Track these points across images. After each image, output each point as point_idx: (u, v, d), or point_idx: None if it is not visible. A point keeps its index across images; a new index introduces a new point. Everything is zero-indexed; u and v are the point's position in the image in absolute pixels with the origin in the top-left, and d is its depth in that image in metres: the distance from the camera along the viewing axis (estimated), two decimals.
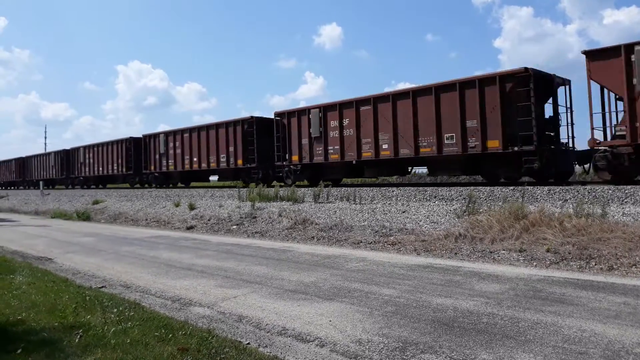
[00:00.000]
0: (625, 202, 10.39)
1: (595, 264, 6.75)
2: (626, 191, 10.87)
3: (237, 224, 13.35)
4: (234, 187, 21.11)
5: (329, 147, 19.44)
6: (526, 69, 14.28)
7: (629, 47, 12.26)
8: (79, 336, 4.44)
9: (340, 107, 18.95)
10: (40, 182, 37.80)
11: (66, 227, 16.79)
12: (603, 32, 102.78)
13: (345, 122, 18.79)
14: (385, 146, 17.47)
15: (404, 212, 11.84)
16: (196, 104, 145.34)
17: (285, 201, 15.75)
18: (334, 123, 19.16)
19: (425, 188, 15.05)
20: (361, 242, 9.77)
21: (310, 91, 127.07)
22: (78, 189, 36.49)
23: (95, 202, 23.58)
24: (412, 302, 5.37)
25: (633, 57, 12.13)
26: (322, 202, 14.83)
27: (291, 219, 12.44)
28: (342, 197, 15.21)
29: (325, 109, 19.65)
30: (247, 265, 8.10)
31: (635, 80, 12.16)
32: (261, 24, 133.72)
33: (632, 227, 7.57)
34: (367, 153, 18.07)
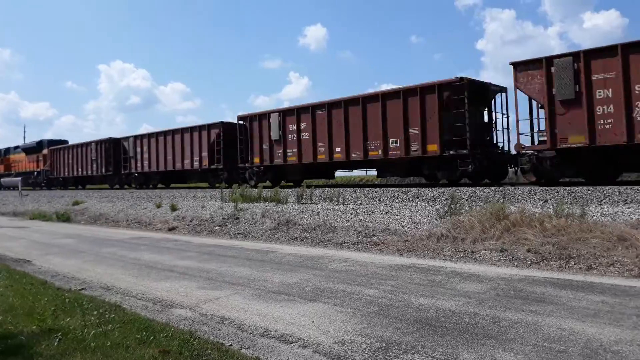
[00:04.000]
0: (604, 202, 10.57)
1: (574, 264, 6.85)
2: (604, 192, 11.06)
3: (220, 225, 13.28)
4: (218, 187, 20.99)
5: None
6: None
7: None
8: (57, 339, 4.37)
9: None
10: (19, 182, 37.57)
11: (45, 228, 16.52)
12: (584, 36, 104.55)
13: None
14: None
15: (386, 212, 11.89)
16: (180, 104, 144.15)
17: (268, 202, 15.71)
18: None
19: (408, 189, 15.13)
20: (344, 242, 9.78)
21: (295, 92, 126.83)
22: (57, 190, 36.10)
23: (75, 203, 23.25)
24: (395, 302, 5.39)
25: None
26: (306, 203, 14.83)
27: (274, 220, 12.41)
28: (325, 198, 15.22)
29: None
30: (229, 266, 8.05)
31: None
32: (246, 23, 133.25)
33: (610, 227, 7.69)
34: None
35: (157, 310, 5.66)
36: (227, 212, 14.57)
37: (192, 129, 25.70)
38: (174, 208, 16.84)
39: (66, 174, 36.21)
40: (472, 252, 7.99)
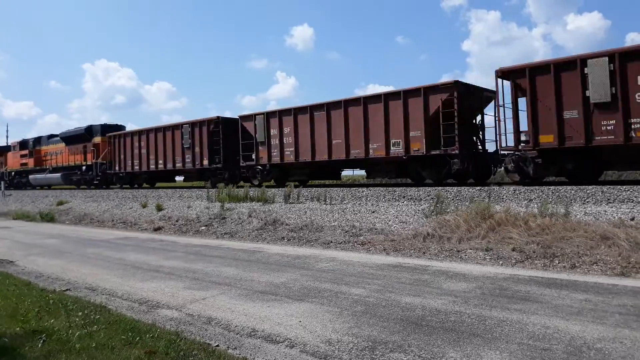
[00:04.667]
0: (587, 202, 10.71)
1: (558, 262, 6.93)
2: (588, 191, 11.21)
3: (206, 225, 13.22)
4: (203, 187, 20.87)
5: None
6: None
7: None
8: (42, 341, 4.32)
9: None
10: (2, 182, 35.15)
11: (29, 228, 16.31)
12: (567, 37, 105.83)
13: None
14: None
15: (373, 212, 11.93)
16: (166, 103, 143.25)
17: (255, 202, 15.68)
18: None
19: (394, 188, 15.20)
20: (331, 242, 9.80)
21: (282, 91, 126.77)
22: (41, 190, 35.57)
23: (60, 203, 22.98)
24: (382, 301, 5.42)
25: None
26: (293, 203, 14.82)
27: (261, 220, 12.38)
28: (312, 198, 15.23)
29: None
30: (216, 266, 8.02)
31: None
32: (233, 23, 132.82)
33: (593, 226, 7.80)
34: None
35: (143, 310, 5.62)
36: (213, 212, 14.51)
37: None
38: (159, 208, 16.73)
39: (135, 168, 27.77)
40: (458, 251, 8.05)
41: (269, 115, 21.02)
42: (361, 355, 3.90)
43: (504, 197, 12.02)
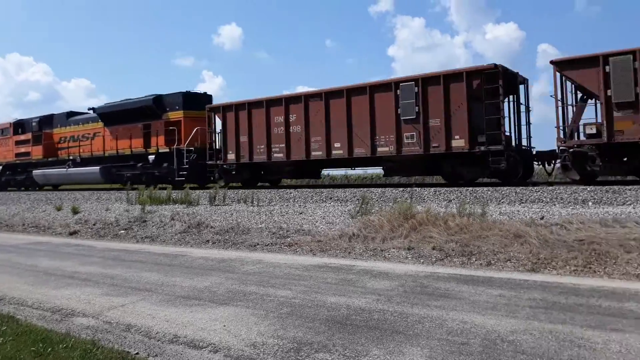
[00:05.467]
0: (502, 202, 11.33)
1: (475, 260, 7.26)
2: (503, 192, 11.86)
3: (126, 229, 12.69)
4: (123, 189, 19.94)
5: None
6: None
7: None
8: None
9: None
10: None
11: None
12: (486, 46, 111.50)
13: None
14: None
15: (301, 213, 11.96)
16: (84, 101, 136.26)
17: (178, 204, 15.27)
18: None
19: (322, 190, 15.35)
20: (258, 244, 9.71)
21: (209, 91, 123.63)
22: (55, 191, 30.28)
23: None
24: (308, 302, 5.43)
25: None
26: (219, 205, 14.57)
27: (184, 223, 12.06)
28: (239, 200, 15.05)
29: (268, 103, 18.45)
30: (136, 271, 7.71)
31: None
32: (156, 20, 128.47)
33: (507, 225, 8.24)
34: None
35: (56, 319, 5.29)
36: (133, 214, 13.95)
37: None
38: (75, 211, 15.86)
39: (275, 155, 18.24)
40: (382, 251, 8.23)
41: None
42: (286, 357, 3.88)
43: (425, 197, 12.46)
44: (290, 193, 15.33)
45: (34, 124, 27.93)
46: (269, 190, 17.05)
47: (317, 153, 17.17)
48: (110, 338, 4.57)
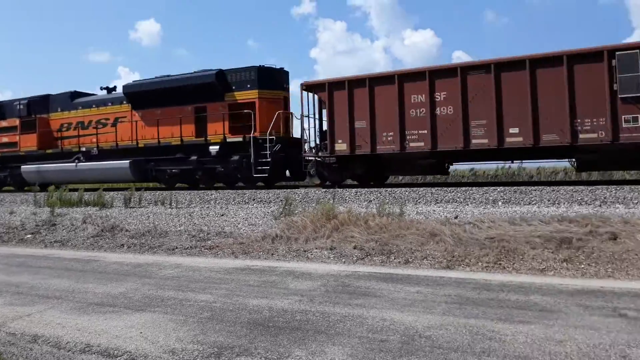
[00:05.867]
0: (419, 202, 11.74)
1: (394, 258, 7.46)
2: (419, 193, 12.30)
3: (33, 233, 11.85)
4: (30, 191, 18.61)
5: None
6: None
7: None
8: None
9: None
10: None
11: None
12: (405, 52, 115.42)
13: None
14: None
15: (222, 215, 11.75)
16: None
17: (91, 206, 14.50)
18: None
19: (244, 191, 15.20)
20: (177, 247, 9.41)
21: None
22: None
23: None
24: (229, 305, 5.32)
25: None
26: (134, 207, 14.00)
27: (98, 226, 11.45)
28: (156, 202, 14.56)
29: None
30: (44, 278, 7.21)
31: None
32: (67, 12, 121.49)
33: (423, 224, 8.54)
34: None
35: None
36: (42, 218, 13.07)
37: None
38: None
39: (412, 144, 14.76)
40: (305, 251, 8.26)
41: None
42: None
43: (347, 198, 12.66)
44: (212, 195, 15.02)
45: (21, 106, 22.53)
46: (189, 191, 16.61)
47: (480, 141, 13.74)
48: (14, 351, 4.23)
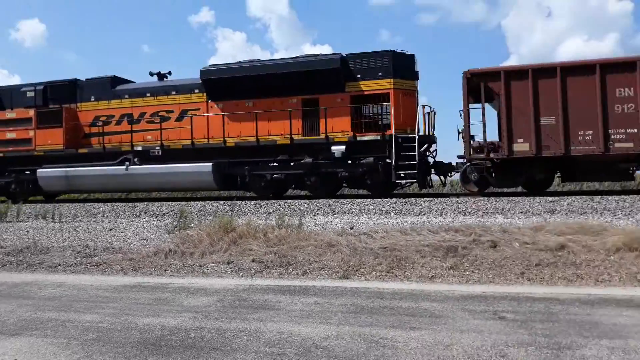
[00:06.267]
0: (317, 213, 11.91)
1: (292, 270, 7.47)
2: (318, 204, 12.48)
3: None
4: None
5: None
6: None
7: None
8: None
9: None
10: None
11: None
12: None
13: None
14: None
15: (110, 229, 11.10)
16: None
17: None
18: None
19: (135, 204, 14.49)
20: (59, 265, 8.71)
21: None
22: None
23: None
24: (117, 325, 5.01)
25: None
26: (11, 221, 12.80)
27: None
28: (37, 215, 13.43)
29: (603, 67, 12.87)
30: None
31: None
32: None
33: (321, 235, 8.66)
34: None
35: None
36: None
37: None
38: None
39: None
40: (200, 266, 8.02)
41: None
42: None
43: (246, 210, 12.53)
44: (99, 207, 14.15)
45: (36, 94, 17.54)
46: (74, 204, 15.51)
47: None
48: None
